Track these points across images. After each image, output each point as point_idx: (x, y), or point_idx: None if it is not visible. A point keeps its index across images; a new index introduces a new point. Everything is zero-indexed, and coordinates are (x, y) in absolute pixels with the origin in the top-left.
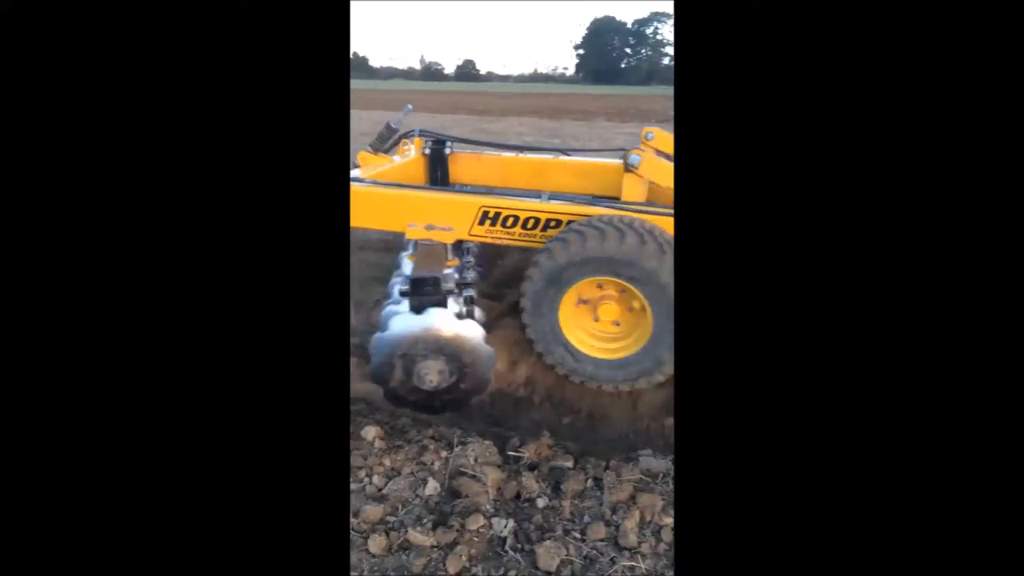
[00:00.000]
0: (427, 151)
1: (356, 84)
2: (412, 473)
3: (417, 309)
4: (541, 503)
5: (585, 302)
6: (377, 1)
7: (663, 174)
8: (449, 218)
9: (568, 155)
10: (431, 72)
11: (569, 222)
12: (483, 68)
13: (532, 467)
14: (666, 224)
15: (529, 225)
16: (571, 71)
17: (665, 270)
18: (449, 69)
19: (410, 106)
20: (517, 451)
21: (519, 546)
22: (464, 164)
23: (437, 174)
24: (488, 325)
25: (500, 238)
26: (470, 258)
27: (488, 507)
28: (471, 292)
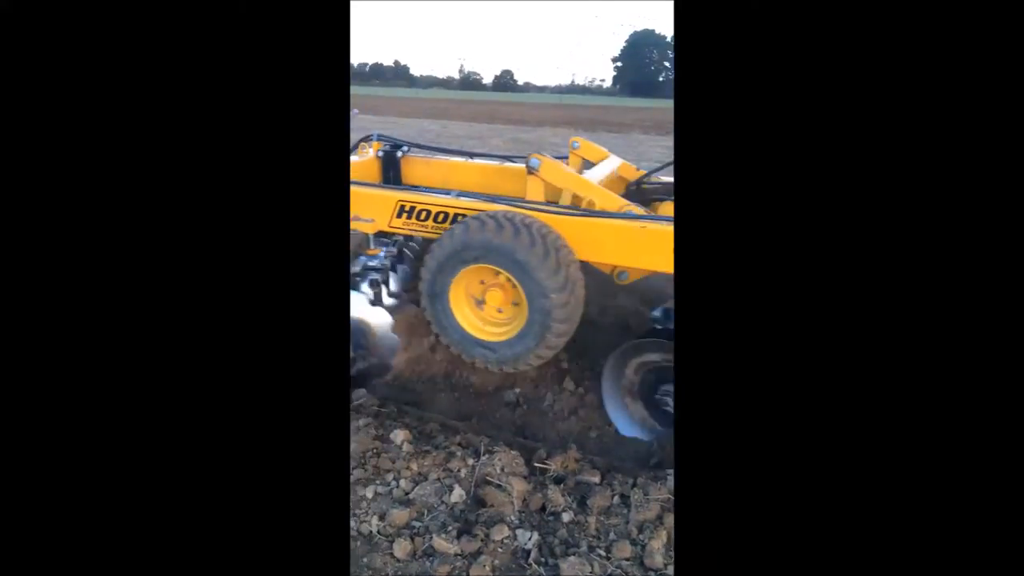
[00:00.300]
0: (380, 153)
1: (398, 92)
2: (439, 479)
3: None
4: (566, 517)
5: (480, 302)
6: (418, 2)
7: (561, 178)
8: (371, 211)
9: (513, 161)
10: (469, 81)
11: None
12: (521, 79)
13: (558, 480)
14: (552, 220)
15: (439, 219)
16: (608, 83)
17: (534, 257)
18: (487, 79)
19: (356, 111)
20: (543, 463)
21: (543, 560)
22: (415, 167)
23: (390, 175)
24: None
25: (416, 230)
26: (393, 248)
27: (513, 518)
28: (377, 276)
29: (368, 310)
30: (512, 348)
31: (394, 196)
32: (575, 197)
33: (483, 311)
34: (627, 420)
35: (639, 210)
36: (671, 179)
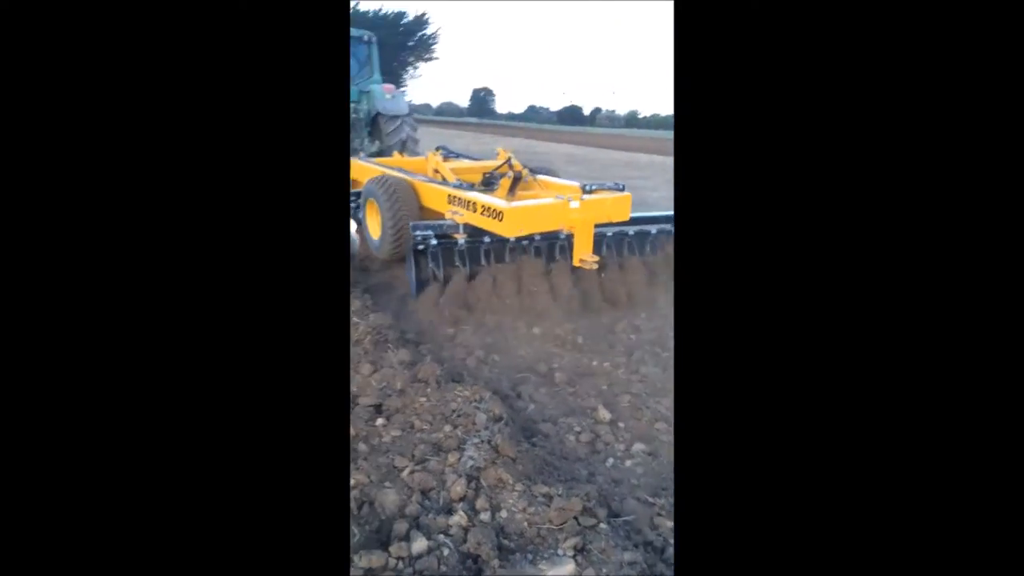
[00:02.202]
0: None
1: None
2: None
3: None
4: None
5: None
6: None
7: (434, 163)
8: (356, 174)
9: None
10: None
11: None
12: None
13: None
14: (416, 183)
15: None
16: None
17: (383, 197)
18: None
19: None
20: None
21: None
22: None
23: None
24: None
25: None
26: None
27: None
28: (354, 203)
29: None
30: (377, 243)
31: (368, 169)
32: (440, 173)
33: (371, 223)
34: (412, 283)
35: (452, 182)
36: (515, 172)
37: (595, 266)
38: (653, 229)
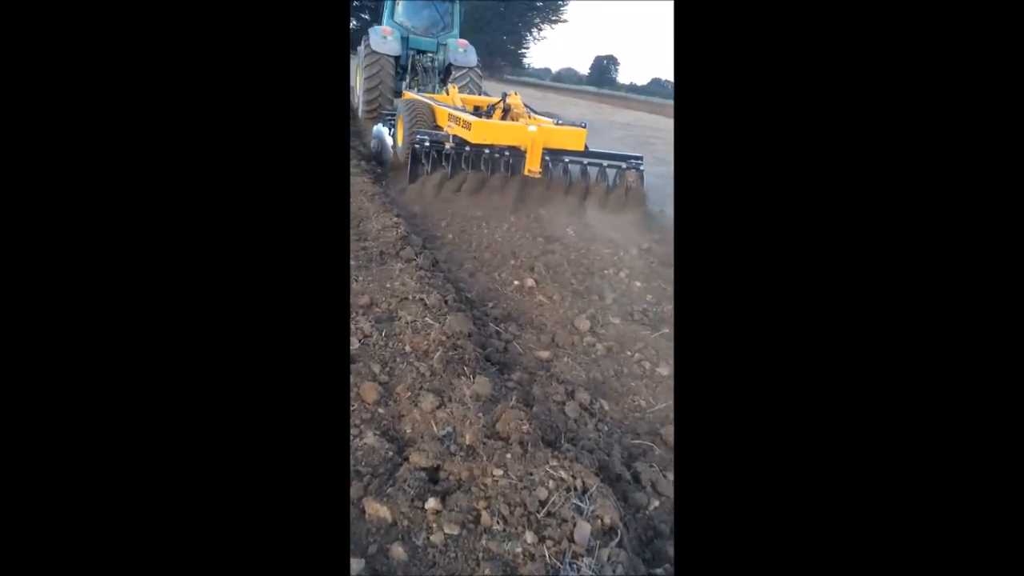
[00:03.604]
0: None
1: None
2: None
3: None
4: None
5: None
6: None
7: (453, 94)
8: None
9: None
10: None
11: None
12: None
13: None
14: (436, 107)
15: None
16: None
17: (405, 112)
18: None
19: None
20: None
21: None
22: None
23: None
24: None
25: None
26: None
27: None
28: (393, 121)
29: (385, 131)
30: (400, 148)
31: (412, 97)
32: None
33: (399, 134)
34: (408, 171)
35: (466, 108)
36: (506, 105)
37: (539, 175)
38: (605, 162)
